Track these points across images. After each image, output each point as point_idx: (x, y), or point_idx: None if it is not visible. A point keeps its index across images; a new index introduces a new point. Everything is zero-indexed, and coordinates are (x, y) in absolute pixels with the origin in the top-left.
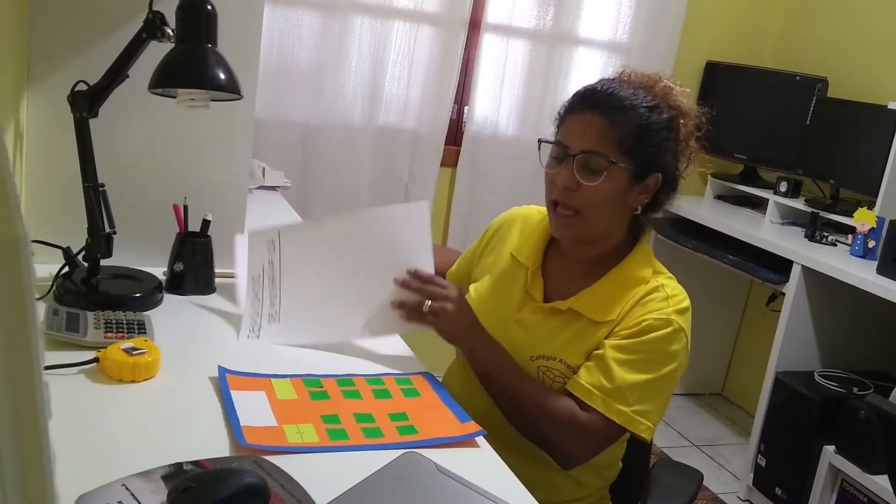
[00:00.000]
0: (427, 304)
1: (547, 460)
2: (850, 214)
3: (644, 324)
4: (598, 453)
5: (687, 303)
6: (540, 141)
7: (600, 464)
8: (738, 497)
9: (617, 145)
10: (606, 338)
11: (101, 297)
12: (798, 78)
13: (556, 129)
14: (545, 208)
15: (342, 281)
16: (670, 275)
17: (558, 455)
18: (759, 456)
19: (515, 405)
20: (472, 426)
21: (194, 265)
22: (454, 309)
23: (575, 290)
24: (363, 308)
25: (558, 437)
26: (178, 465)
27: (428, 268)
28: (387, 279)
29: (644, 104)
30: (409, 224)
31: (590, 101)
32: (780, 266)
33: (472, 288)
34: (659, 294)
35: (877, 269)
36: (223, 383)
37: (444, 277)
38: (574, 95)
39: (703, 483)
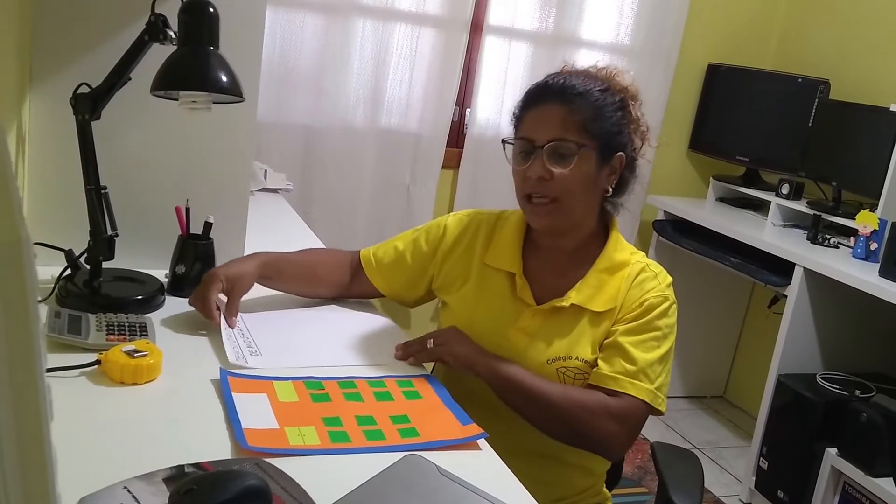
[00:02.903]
0: (430, 341)
1: (554, 456)
2: (852, 217)
3: (646, 303)
4: (637, 436)
5: (669, 276)
6: (504, 141)
7: None
8: (739, 500)
9: (581, 129)
10: (612, 325)
11: (103, 299)
12: (800, 80)
13: (515, 129)
14: (506, 211)
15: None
16: (642, 252)
17: (602, 448)
18: (761, 459)
19: (548, 412)
20: (474, 428)
21: (196, 267)
22: (459, 336)
23: (565, 285)
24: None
25: (598, 431)
26: (180, 467)
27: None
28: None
29: (596, 88)
30: None
31: (545, 93)
32: (782, 268)
33: (451, 303)
34: (647, 274)
35: (879, 272)
36: (225, 385)
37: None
38: (526, 93)
39: (705, 486)
